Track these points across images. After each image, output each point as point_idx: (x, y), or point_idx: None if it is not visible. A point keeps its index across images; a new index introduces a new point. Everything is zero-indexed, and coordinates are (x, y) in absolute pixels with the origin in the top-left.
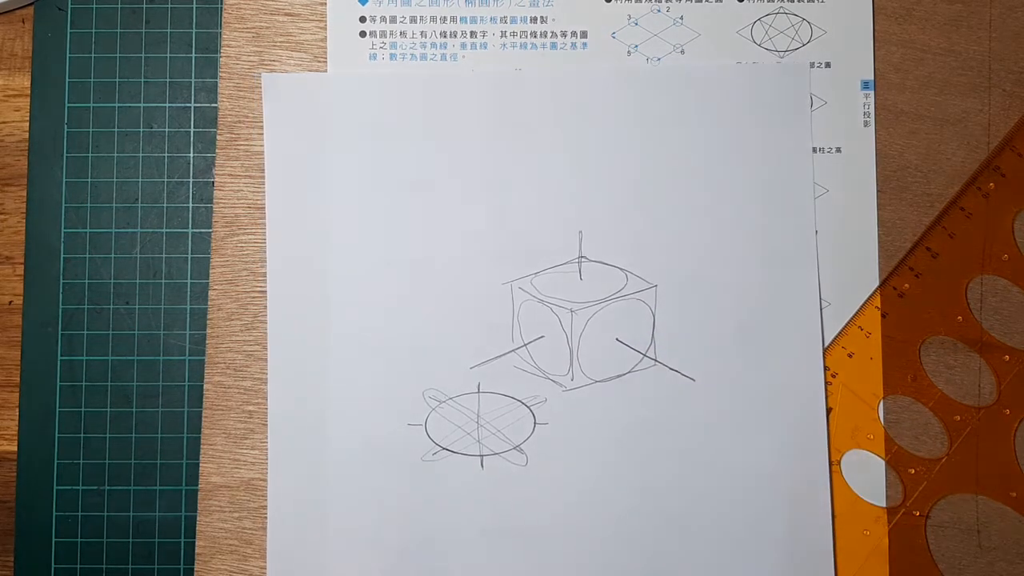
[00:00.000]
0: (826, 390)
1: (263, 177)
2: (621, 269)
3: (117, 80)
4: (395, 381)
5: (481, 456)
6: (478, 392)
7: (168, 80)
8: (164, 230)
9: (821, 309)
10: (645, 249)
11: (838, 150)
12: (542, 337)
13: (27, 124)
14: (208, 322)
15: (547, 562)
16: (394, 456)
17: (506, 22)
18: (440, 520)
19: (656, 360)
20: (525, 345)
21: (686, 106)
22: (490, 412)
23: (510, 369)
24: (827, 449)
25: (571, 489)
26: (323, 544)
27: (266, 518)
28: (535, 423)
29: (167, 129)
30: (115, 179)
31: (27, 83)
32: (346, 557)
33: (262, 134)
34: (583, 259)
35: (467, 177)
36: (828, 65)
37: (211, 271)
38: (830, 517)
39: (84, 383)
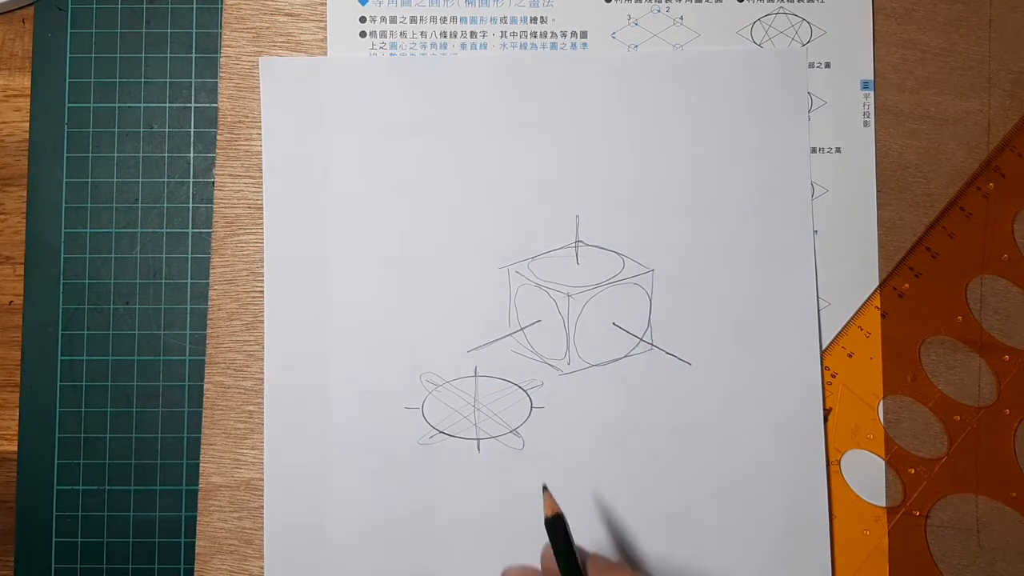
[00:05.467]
0: (826, 390)
1: (263, 177)
2: (618, 253)
3: (117, 80)
4: (392, 365)
5: (478, 440)
6: (475, 376)
7: (168, 80)
8: (164, 230)
9: (819, 305)
10: (642, 235)
11: (838, 150)
12: (539, 321)
13: (27, 124)
14: (208, 322)
15: (543, 545)
16: (391, 439)
17: (506, 22)
18: (437, 504)
19: (652, 344)
20: (522, 329)
21: (683, 92)
22: (487, 396)
23: (507, 353)
24: (824, 448)
25: (567, 472)
26: (320, 530)
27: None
28: (532, 407)
29: (167, 129)
30: (115, 179)
31: (27, 83)
32: (343, 544)
33: (262, 134)
34: (580, 243)
35: (465, 162)
36: (828, 65)
37: (211, 271)
38: (827, 515)
39: (84, 383)
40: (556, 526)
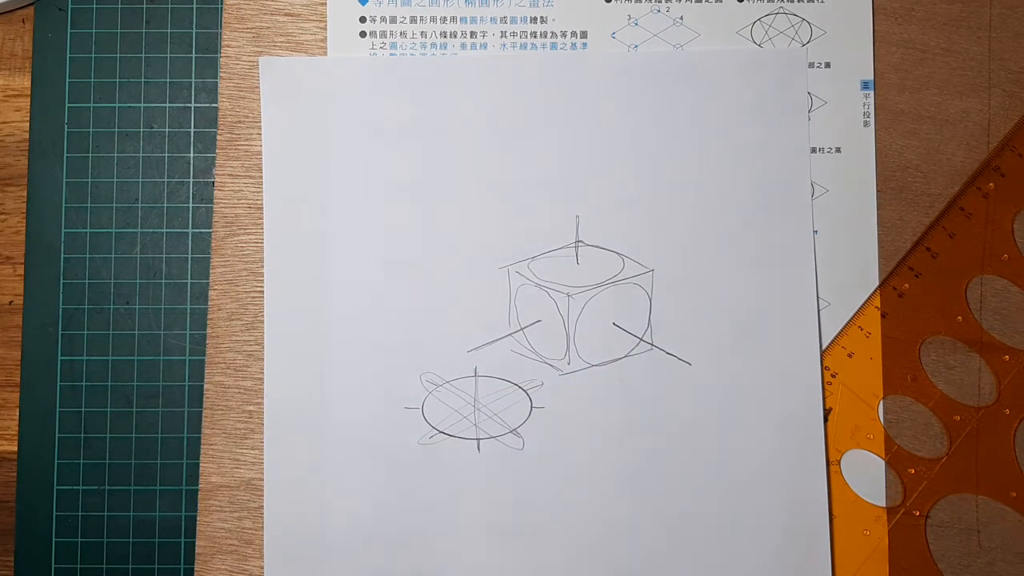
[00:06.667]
0: (826, 390)
1: (263, 177)
2: (618, 253)
3: (117, 80)
4: (393, 364)
5: (478, 440)
6: (475, 376)
7: (168, 80)
8: (164, 230)
9: (818, 305)
10: (642, 235)
11: (838, 150)
12: (539, 321)
13: (27, 124)
14: (208, 322)
15: (543, 545)
16: (391, 439)
17: (506, 22)
18: (437, 504)
19: (652, 344)
20: (522, 329)
21: (683, 92)
22: (487, 396)
23: (507, 353)
24: (824, 448)
25: (567, 472)
26: (320, 530)
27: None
28: (532, 407)
29: (167, 129)
30: (115, 179)
31: (27, 83)
32: (343, 544)
33: (262, 134)
34: (580, 243)
35: (464, 162)
36: (828, 65)
37: (211, 271)
38: (827, 515)
39: (84, 383)
40: None
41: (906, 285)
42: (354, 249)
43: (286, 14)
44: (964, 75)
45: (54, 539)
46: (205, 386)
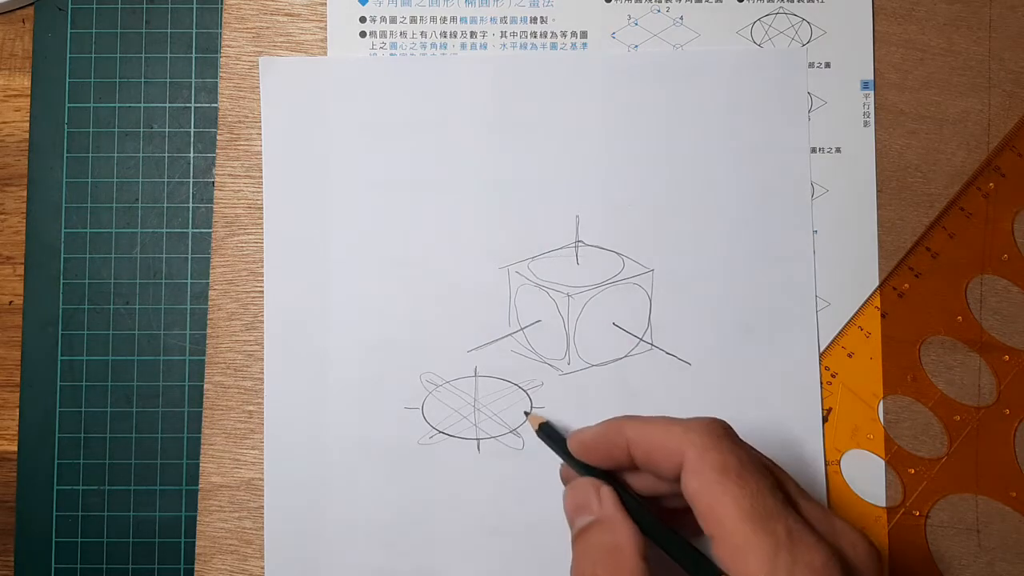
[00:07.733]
0: (826, 390)
1: (263, 177)
2: (618, 253)
3: (117, 80)
4: (392, 364)
5: (478, 440)
6: (475, 376)
7: (168, 80)
8: (164, 230)
9: (818, 305)
10: (642, 235)
11: (838, 150)
12: (539, 321)
13: (27, 124)
14: (208, 322)
15: (543, 545)
16: (391, 439)
17: (506, 22)
18: (437, 504)
19: (652, 344)
20: (522, 329)
21: (683, 92)
22: (487, 396)
23: (507, 353)
24: (824, 448)
25: None
26: (320, 530)
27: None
28: (532, 407)
29: (167, 129)
30: (115, 179)
31: (27, 83)
32: (343, 544)
33: (262, 134)
34: (580, 243)
35: (465, 162)
36: (828, 65)
37: (211, 271)
38: None
39: (84, 383)
40: (547, 433)
41: (906, 285)
42: (354, 249)
43: (286, 14)
44: (964, 75)
45: (54, 539)
46: (205, 386)
